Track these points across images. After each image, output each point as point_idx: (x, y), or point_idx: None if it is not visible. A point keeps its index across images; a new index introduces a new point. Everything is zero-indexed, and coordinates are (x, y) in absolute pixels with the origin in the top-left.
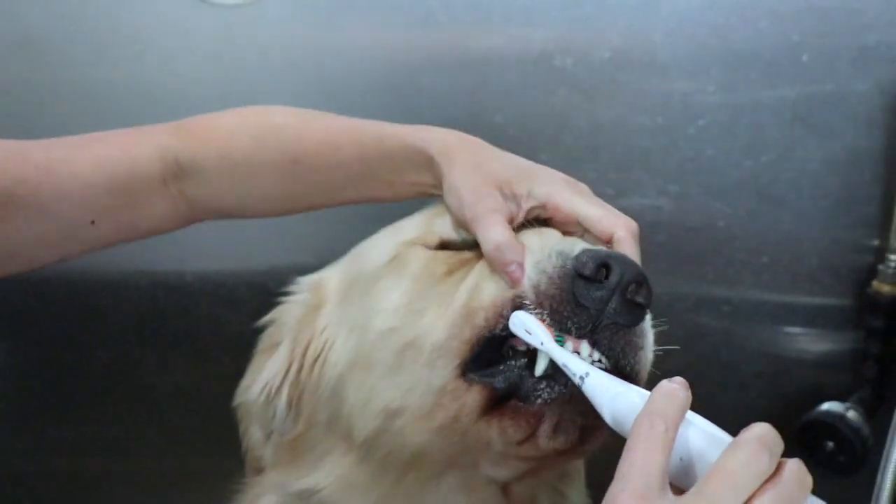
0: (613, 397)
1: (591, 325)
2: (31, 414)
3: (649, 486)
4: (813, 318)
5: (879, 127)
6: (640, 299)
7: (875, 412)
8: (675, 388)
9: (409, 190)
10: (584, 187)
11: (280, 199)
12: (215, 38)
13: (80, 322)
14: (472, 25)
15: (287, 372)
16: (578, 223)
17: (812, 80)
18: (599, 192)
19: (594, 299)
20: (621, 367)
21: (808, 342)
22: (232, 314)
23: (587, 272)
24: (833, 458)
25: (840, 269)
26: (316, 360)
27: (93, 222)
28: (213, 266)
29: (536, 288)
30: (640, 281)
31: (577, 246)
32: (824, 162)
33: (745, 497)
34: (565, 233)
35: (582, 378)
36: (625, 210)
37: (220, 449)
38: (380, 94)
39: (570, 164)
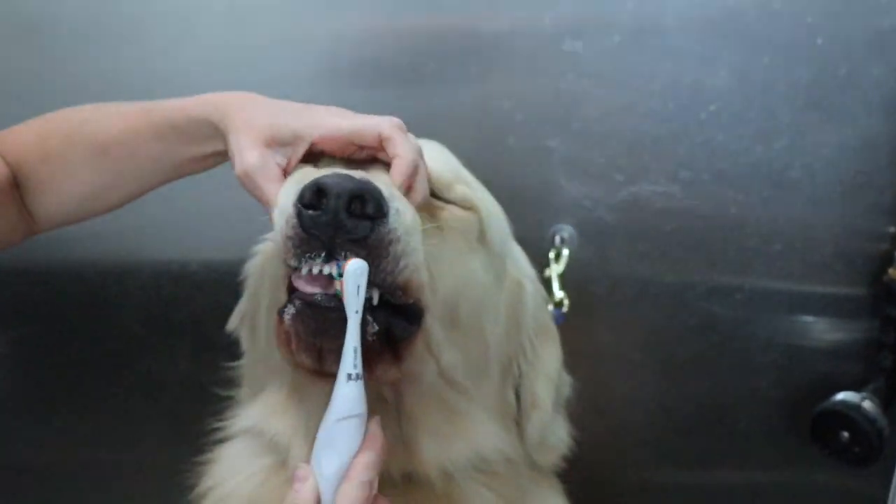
0: (349, 416)
1: (325, 250)
2: (36, 404)
3: None
4: (827, 306)
5: (895, 112)
6: (368, 210)
7: (891, 402)
8: (379, 435)
9: (214, 160)
10: (347, 112)
11: (103, 193)
12: (218, 22)
13: (86, 312)
14: (480, 9)
15: (245, 312)
16: (353, 143)
17: (826, 64)
18: (609, 179)
19: (320, 225)
20: (382, 281)
21: (823, 331)
22: (236, 303)
23: (305, 202)
24: (848, 449)
25: (855, 256)
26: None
27: None
28: (217, 256)
29: (284, 236)
30: (358, 194)
31: (307, 179)
32: (838, 147)
33: None
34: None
35: (358, 376)
36: (635, 197)
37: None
38: (386, 80)
39: (578, 150)
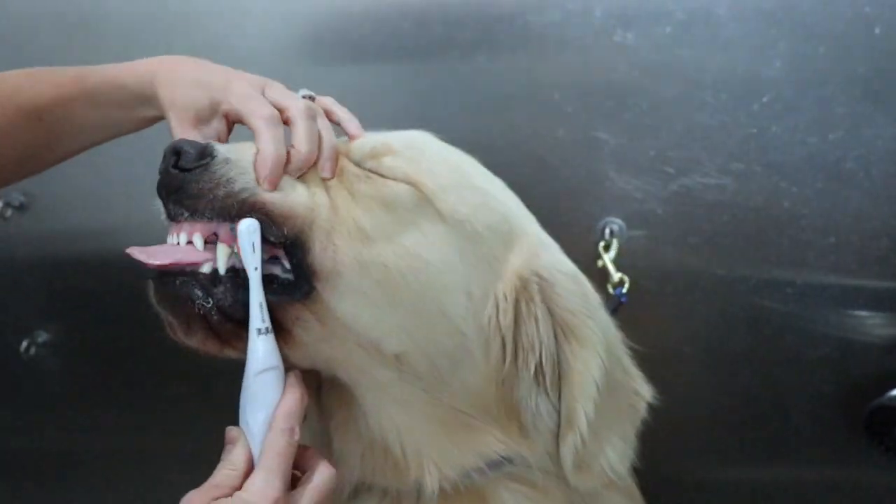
0: (266, 369)
1: (163, 198)
2: (86, 392)
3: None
4: (881, 300)
5: None
6: (184, 162)
7: None
8: (297, 386)
9: (149, 122)
10: (268, 85)
11: (40, 152)
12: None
13: (135, 303)
14: None
15: None
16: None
17: (884, 54)
18: (659, 171)
19: (158, 186)
20: (223, 210)
21: (877, 326)
22: None
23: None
24: None
25: None
26: None
27: None
28: None
29: None
30: (177, 149)
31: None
32: (895, 139)
33: None
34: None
35: (267, 330)
36: (686, 189)
37: None
38: (435, 72)
39: (629, 142)
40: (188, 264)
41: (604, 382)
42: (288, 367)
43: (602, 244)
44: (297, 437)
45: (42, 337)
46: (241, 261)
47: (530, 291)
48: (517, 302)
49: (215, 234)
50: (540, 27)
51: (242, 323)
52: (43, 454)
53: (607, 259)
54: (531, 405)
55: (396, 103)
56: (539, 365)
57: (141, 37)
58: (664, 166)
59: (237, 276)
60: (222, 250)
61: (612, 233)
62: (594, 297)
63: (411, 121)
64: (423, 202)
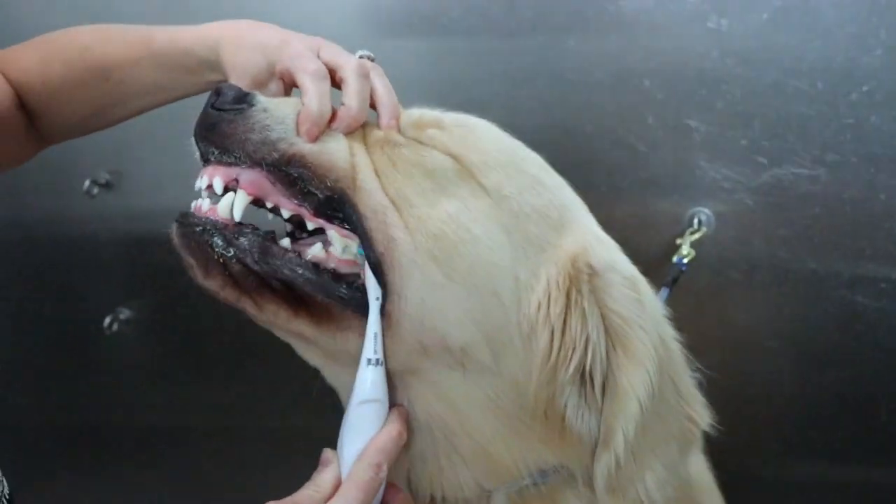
0: (369, 400)
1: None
2: (166, 370)
3: None
4: None
5: None
6: (221, 103)
7: None
8: (399, 425)
9: (215, 85)
10: (324, 46)
11: (107, 111)
12: None
13: None
14: None
15: None
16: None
17: None
18: (751, 161)
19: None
20: (259, 157)
21: None
22: None
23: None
24: None
25: None
26: None
27: None
28: None
29: None
30: (217, 90)
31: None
32: None
33: None
34: None
35: (378, 361)
36: (778, 180)
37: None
38: (525, 56)
39: (720, 131)
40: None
41: (650, 402)
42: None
43: (689, 231)
44: (384, 473)
45: (125, 314)
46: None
47: (580, 282)
48: (569, 292)
49: (236, 181)
50: (632, 12)
51: (265, 279)
52: (124, 429)
53: (687, 238)
54: (574, 412)
55: (481, 83)
56: (584, 367)
57: (192, 3)
58: (756, 156)
59: (270, 236)
60: (241, 197)
61: (700, 222)
62: (653, 307)
63: (496, 102)
64: (466, 175)
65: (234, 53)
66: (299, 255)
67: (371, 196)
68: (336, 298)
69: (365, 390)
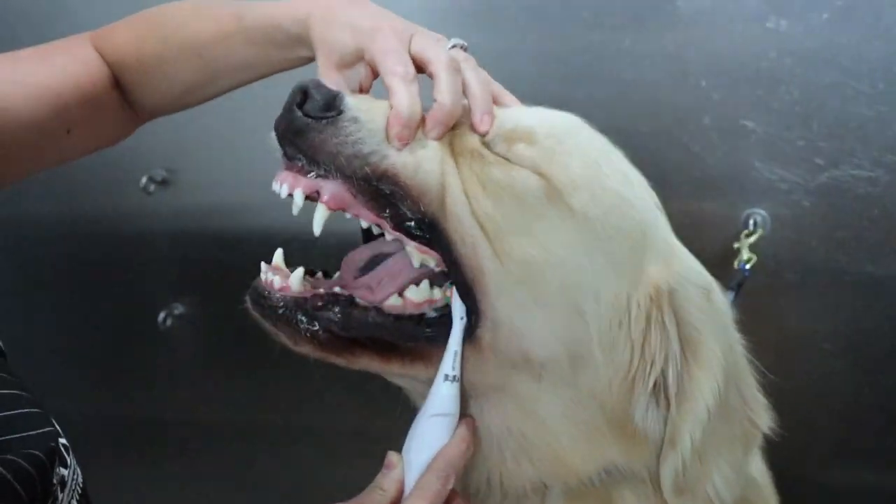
0: (441, 414)
1: (279, 136)
2: (218, 365)
3: None
4: None
5: None
6: (309, 108)
7: None
8: (467, 437)
9: (305, 62)
10: (416, 34)
11: (198, 88)
12: None
13: None
14: None
15: None
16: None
17: None
18: (808, 162)
19: (277, 122)
20: (350, 171)
21: None
22: None
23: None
24: None
25: None
26: None
27: (69, 131)
28: None
29: None
30: (304, 88)
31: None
32: None
33: None
34: None
35: (455, 378)
36: (836, 181)
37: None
38: (581, 56)
39: (777, 131)
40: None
41: (716, 407)
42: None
43: (744, 234)
44: (450, 485)
45: (178, 309)
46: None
47: (662, 302)
48: (649, 311)
49: (317, 192)
50: (690, 11)
51: (357, 339)
52: (177, 424)
53: (745, 242)
54: (643, 415)
55: (536, 83)
56: (661, 377)
57: None
58: (813, 157)
59: (348, 300)
60: (321, 212)
61: (755, 223)
62: (724, 314)
63: (551, 101)
64: (554, 196)
65: (324, 30)
66: (379, 310)
67: (461, 223)
68: (423, 340)
69: (439, 404)
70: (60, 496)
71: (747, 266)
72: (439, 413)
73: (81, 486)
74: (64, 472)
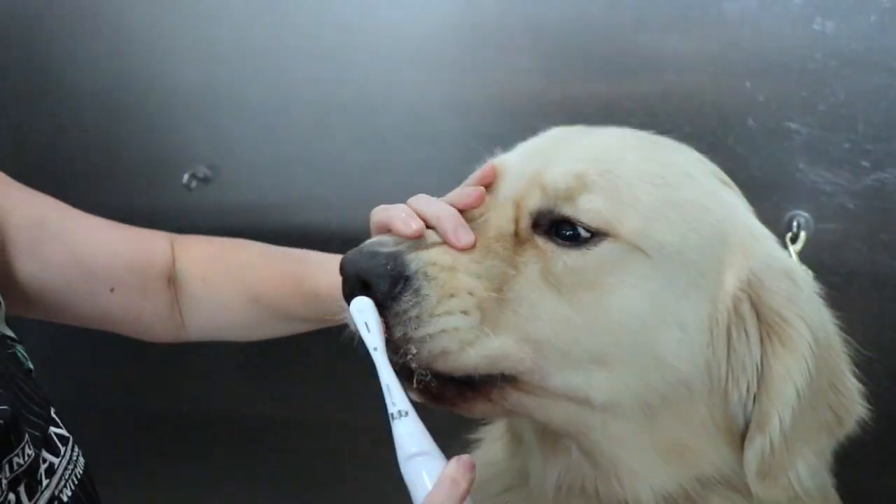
0: (411, 456)
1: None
2: (265, 362)
3: None
4: None
5: None
6: (375, 295)
7: None
8: (458, 478)
9: None
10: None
11: (243, 328)
12: None
13: None
14: None
15: None
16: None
17: None
18: (853, 164)
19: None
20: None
21: None
22: None
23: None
24: None
25: None
26: None
27: (112, 290)
28: None
29: None
30: (363, 281)
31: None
32: None
33: None
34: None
35: (401, 413)
36: (882, 184)
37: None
38: (624, 56)
39: (822, 133)
40: None
41: (806, 390)
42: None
43: (788, 236)
44: None
45: None
46: None
47: (742, 308)
48: (729, 322)
49: None
50: (735, 13)
51: (465, 382)
52: (212, 417)
53: (792, 251)
54: (742, 415)
55: (580, 83)
56: (754, 372)
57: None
58: (859, 159)
59: None
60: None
61: (799, 226)
62: (808, 295)
63: (595, 102)
64: (627, 250)
65: None
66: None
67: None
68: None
69: (401, 446)
70: (46, 482)
71: None
72: (410, 455)
73: (79, 476)
74: (53, 459)
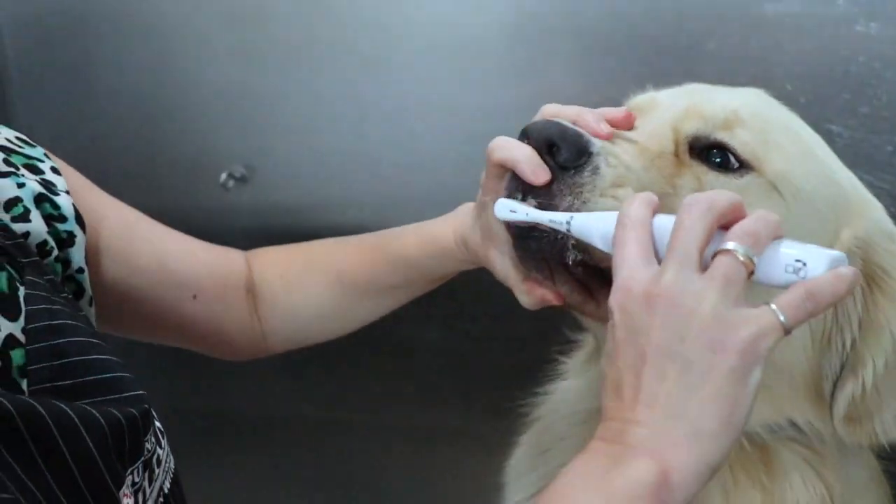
0: (598, 221)
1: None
2: (291, 361)
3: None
4: None
5: None
6: (560, 159)
7: None
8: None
9: (453, 273)
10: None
11: (333, 318)
12: None
13: None
14: None
15: None
16: None
17: None
18: None
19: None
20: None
21: None
22: (488, 274)
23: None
24: None
25: None
26: None
27: (194, 297)
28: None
29: None
30: (550, 142)
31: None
32: None
33: (703, 235)
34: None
35: (568, 223)
36: None
37: (473, 408)
38: (664, 57)
39: (864, 136)
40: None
41: None
42: None
43: None
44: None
45: None
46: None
47: (854, 264)
48: None
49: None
50: (776, 15)
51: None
52: (249, 418)
53: None
54: (827, 371)
55: (619, 81)
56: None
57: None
58: None
59: None
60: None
61: None
62: None
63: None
64: (766, 188)
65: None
66: None
67: None
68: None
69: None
70: (157, 471)
71: None
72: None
73: (174, 471)
74: (159, 450)
